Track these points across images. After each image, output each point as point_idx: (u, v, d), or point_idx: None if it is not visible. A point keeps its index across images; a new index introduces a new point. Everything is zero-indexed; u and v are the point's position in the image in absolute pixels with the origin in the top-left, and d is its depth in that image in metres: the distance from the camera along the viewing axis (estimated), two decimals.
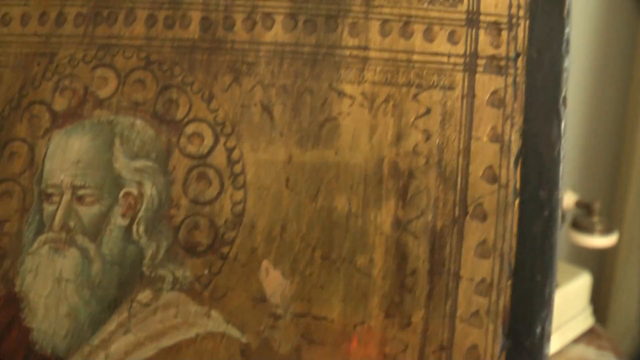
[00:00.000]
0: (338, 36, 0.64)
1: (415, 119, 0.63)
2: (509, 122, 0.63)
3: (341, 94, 0.64)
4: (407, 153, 0.63)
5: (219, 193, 0.63)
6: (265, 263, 0.62)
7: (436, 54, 0.64)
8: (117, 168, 0.64)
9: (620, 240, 1.47)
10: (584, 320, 1.33)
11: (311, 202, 0.62)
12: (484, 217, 0.62)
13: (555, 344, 1.24)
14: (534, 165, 0.62)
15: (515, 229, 0.62)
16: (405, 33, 0.64)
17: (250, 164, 0.63)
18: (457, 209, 0.62)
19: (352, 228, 0.62)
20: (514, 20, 0.64)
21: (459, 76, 0.63)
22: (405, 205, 0.62)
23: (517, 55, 0.64)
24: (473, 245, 0.62)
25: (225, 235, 0.63)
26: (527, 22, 0.64)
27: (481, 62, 0.64)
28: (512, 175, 0.62)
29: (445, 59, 0.64)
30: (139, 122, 0.64)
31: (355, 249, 0.62)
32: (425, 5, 0.65)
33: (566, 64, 0.64)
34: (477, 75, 0.63)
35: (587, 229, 1.32)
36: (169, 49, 0.66)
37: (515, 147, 0.63)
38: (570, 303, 1.29)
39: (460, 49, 0.64)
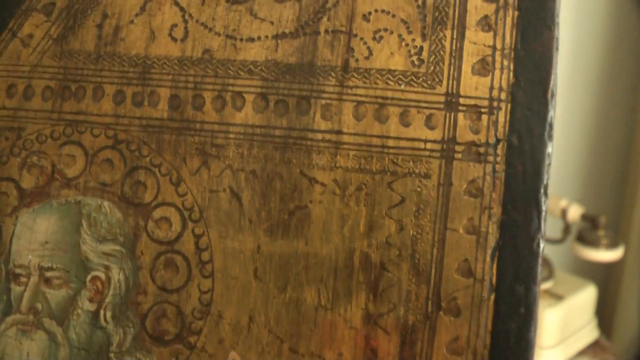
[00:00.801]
0: (310, 119, 0.62)
1: (389, 208, 0.61)
2: (486, 212, 0.60)
3: (312, 180, 0.61)
4: (379, 244, 0.61)
5: (187, 281, 0.62)
6: (232, 354, 0.61)
7: (412, 139, 0.61)
8: (85, 251, 0.63)
9: (626, 253, 1.44)
10: (589, 333, 1.32)
11: (280, 294, 0.61)
12: (457, 313, 0.60)
13: (560, 356, 1.24)
14: (512, 259, 0.60)
15: (490, 326, 0.60)
16: (381, 116, 0.62)
17: (219, 252, 0.62)
18: (430, 303, 0.60)
19: (321, 321, 0.61)
20: (495, 104, 0.61)
21: (435, 163, 0.61)
22: (376, 299, 0.60)
23: (498, 141, 0.61)
24: (445, 342, 0.60)
25: (192, 325, 0.62)
26: (509, 106, 0.61)
27: (459, 148, 0.61)
28: (488, 269, 0.60)
29: (421, 145, 0.61)
30: (106, 204, 0.63)
31: (323, 343, 0.60)
32: (402, 86, 0.62)
33: (549, 150, 0.61)
34: (455, 163, 0.61)
35: (593, 243, 1.31)
36: (137, 127, 0.64)
37: (492, 240, 0.60)
38: (576, 315, 1.28)
39: (437, 134, 0.61)
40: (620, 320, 1.56)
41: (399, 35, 0.62)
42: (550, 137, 0.61)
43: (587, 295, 1.29)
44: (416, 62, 0.62)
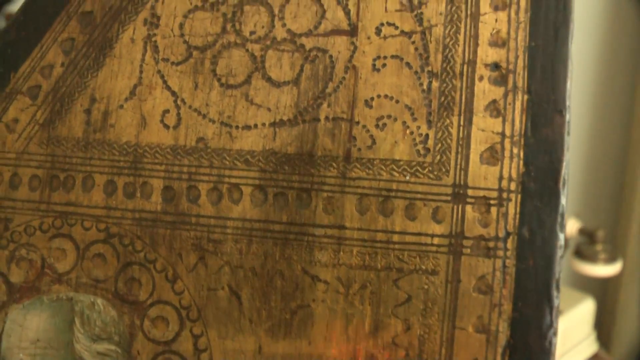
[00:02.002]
0: (311, 213, 0.59)
1: (395, 307, 0.58)
2: (496, 310, 0.58)
3: (315, 278, 0.59)
4: (385, 345, 0.58)
5: None
6: None
7: (419, 234, 0.58)
8: (79, 350, 0.61)
9: (624, 266, 1.43)
10: (588, 347, 1.31)
11: None
12: None
13: None
14: (523, 358, 0.58)
15: None
16: (385, 210, 0.59)
17: (219, 353, 0.59)
18: None
19: None
20: (505, 195, 0.58)
21: (443, 259, 0.58)
22: None
23: (508, 234, 0.58)
24: None
25: None
26: (519, 197, 0.58)
27: (468, 243, 0.58)
28: None
29: (428, 240, 0.59)
30: (100, 302, 0.60)
31: None
32: (407, 177, 0.59)
33: (561, 241, 0.58)
34: (463, 258, 0.58)
35: (591, 258, 1.30)
36: (130, 221, 0.61)
37: (502, 338, 0.58)
38: (574, 329, 1.27)
39: (445, 228, 0.58)
40: (619, 333, 1.55)
41: (403, 122, 0.59)
42: (562, 227, 0.59)
43: (585, 309, 1.28)
44: (422, 151, 0.59)
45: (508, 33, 0.60)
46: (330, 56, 0.60)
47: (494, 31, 0.60)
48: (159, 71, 0.62)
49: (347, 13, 0.61)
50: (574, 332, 1.27)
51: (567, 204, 0.60)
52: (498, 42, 0.60)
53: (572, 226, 1.32)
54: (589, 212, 1.66)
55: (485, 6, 0.60)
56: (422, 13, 0.61)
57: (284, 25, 0.61)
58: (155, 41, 0.62)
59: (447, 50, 0.60)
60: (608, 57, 1.59)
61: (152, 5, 0.63)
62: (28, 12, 0.64)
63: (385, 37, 0.60)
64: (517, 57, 0.59)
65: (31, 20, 0.64)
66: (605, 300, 1.62)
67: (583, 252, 1.31)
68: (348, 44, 0.61)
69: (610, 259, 1.31)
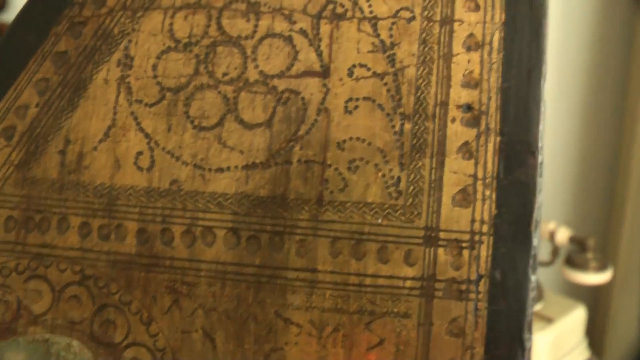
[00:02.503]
0: (284, 256, 0.59)
1: (367, 350, 0.59)
2: (468, 353, 0.58)
3: (288, 321, 0.59)
4: None
5: None
6: None
7: (391, 277, 0.59)
8: None
9: (615, 273, 1.44)
10: (580, 354, 1.32)
11: None
12: None
13: None
14: None
15: None
16: (357, 253, 0.59)
17: None
18: None
19: None
20: (477, 237, 0.58)
21: (415, 302, 0.59)
22: None
23: (480, 277, 0.58)
24: None
25: None
26: (491, 239, 0.58)
27: (440, 285, 0.59)
28: None
29: (400, 283, 0.59)
30: (75, 344, 0.61)
31: None
32: (380, 220, 0.59)
33: (532, 284, 0.59)
34: (435, 301, 0.58)
35: (581, 266, 1.31)
36: (104, 263, 0.61)
37: None
38: (566, 337, 1.28)
39: (417, 271, 0.59)
40: (611, 341, 1.56)
41: (376, 165, 0.59)
42: (534, 270, 0.59)
43: (577, 317, 1.29)
44: (394, 194, 0.59)
45: (481, 74, 0.60)
46: (303, 98, 0.60)
47: (467, 72, 0.60)
48: (132, 113, 0.62)
49: (320, 54, 0.61)
50: (565, 340, 1.28)
51: (538, 249, 0.60)
52: (471, 83, 0.60)
53: (563, 234, 1.32)
54: (580, 220, 1.66)
55: (457, 47, 0.60)
56: (394, 54, 0.60)
57: (256, 66, 0.61)
58: (129, 82, 0.62)
59: (420, 91, 0.60)
60: (599, 70, 1.59)
61: (125, 46, 0.63)
62: (2, 53, 0.64)
63: (357, 79, 0.60)
64: (489, 98, 0.59)
65: (5, 61, 0.64)
66: (596, 308, 1.63)
67: (574, 260, 1.31)
68: (320, 85, 0.61)
69: (601, 267, 1.32)
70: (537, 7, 0.61)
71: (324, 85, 0.60)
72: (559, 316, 1.26)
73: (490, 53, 0.60)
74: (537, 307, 1.26)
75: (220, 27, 0.62)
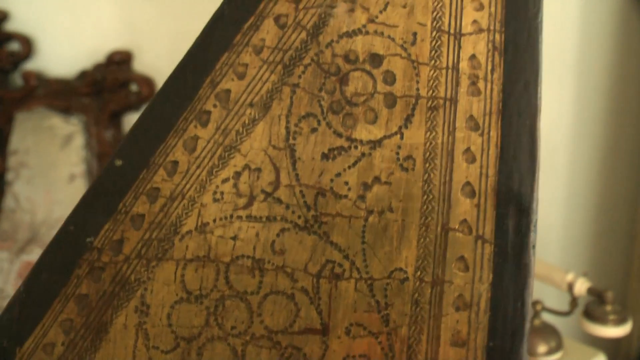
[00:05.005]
0: None
1: None
2: None
3: None
4: None
5: None
6: None
7: None
8: None
9: (635, 324, 1.47)
10: None
11: None
12: None
13: None
14: None
15: None
16: None
17: None
18: None
19: None
20: None
21: None
22: None
23: None
24: None
25: None
26: None
27: None
28: None
29: None
30: None
31: None
32: None
33: None
34: None
35: (600, 319, 1.34)
36: None
37: None
38: None
39: None
40: None
41: None
42: None
43: None
44: None
45: (468, 334, 0.65)
46: (304, 354, 0.66)
47: (455, 332, 0.65)
48: (150, 358, 0.68)
49: (320, 313, 0.66)
50: None
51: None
52: (458, 342, 0.65)
53: (581, 285, 1.36)
54: (599, 270, 1.69)
55: (447, 307, 0.65)
56: (388, 314, 0.66)
57: (261, 322, 0.67)
58: (146, 329, 0.68)
59: (411, 349, 0.65)
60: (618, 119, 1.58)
61: (141, 293, 0.68)
62: (31, 290, 0.70)
63: (354, 337, 0.66)
64: (475, 357, 0.65)
65: (34, 299, 0.70)
66: (617, 356, 1.68)
67: (592, 313, 1.34)
68: (320, 342, 0.66)
69: (620, 320, 1.34)
70: (523, 267, 0.66)
71: (324, 342, 0.66)
72: None
73: (477, 313, 0.65)
74: (557, 356, 1.32)
75: (228, 281, 0.68)
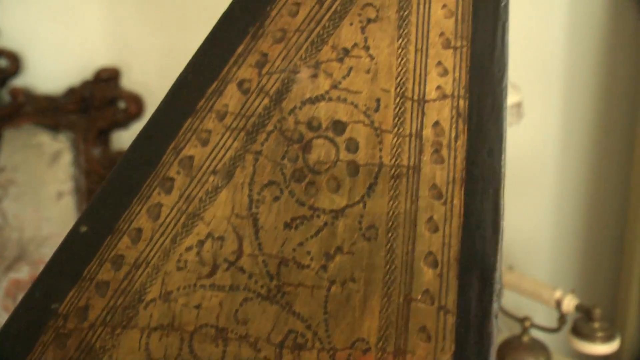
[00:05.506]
0: None
1: None
2: None
3: None
4: None
5: None
6: None
7: None
8: None
9: (623, 341, 1.47)
10: None
11: None
12: None
13: None
14: None
15: None
16: None
17: None
18: None
19: None
20: None
21: None
22: None
23: None
24: None
25: None
26: None
27: None
28: None
29: None
30: None
31: None
32: None
33: None
34: None
35: (588, 337, 1.35)
36: None
37: None
38: None
39: None
40: None
41: None
42: None
43: None
44: None
45: None
46: None
47: None
48: None
49: None
50: None
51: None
52: None
53: (569, 302, 1.37)
54: (587, 287, 1.69)
55: None
56: None
57: None
58: None
59: None
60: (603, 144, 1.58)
61: None
62: None
63: None
64: None
65: None
66: None
67: (581, 330, 1.35)
68: None
69: (608, 337, 1.35)
70: (486, 336, 0.66)
71: None
72: None
73: None
74: None
75: (192, 350, 0.68)
